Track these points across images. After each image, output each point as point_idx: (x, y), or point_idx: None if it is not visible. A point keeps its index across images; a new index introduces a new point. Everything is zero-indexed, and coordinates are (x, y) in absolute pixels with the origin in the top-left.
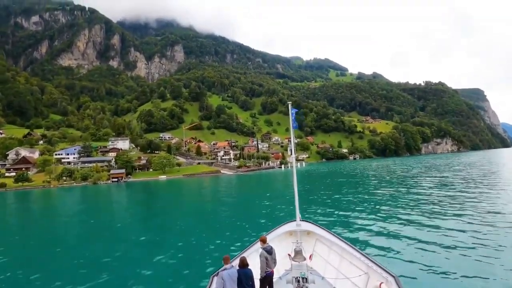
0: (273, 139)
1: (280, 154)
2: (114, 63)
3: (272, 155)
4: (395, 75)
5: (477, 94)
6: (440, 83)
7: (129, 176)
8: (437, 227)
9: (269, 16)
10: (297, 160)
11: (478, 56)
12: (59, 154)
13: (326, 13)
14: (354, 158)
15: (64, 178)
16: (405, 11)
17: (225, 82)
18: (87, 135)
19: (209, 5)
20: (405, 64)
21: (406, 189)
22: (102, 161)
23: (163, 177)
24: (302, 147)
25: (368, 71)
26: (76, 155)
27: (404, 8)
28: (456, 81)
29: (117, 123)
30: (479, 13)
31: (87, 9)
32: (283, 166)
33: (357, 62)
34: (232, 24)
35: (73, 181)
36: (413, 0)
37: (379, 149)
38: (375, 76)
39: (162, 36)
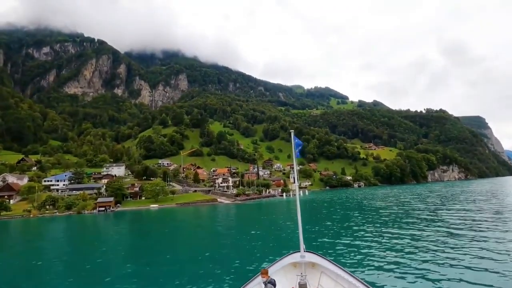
0: (275, 166)
1: (282, 181)
2: (119, 91)
3: (274, 183)
4: (395, 103)
5: (478, 122)
6: (441, 110)
7: (118, 204)
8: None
9: (271, 46)
10: (300, 187)
11: (475, 86)
12: (48, 181)
13: (326, 42)
14: (359, 186)
15: (47, 207)
16: (398, 41)
17: (227, 109)
18: (83, 161)
19: (213, 37)
20: (403, 92)
21: (426, 225)
22: (91, 189)
23: (154, 206)
24: (304, 174)
25: (368, 99)
26: (67, 182)
27: (397, 37)
28: (456, 109)
29: (115, 149)
30: (472, 43)
31: (96, 40)
32: (284, 194)
33: (357, 90)
34: (235, 54)
35: (56, 210)
36: (407, 31)
37: (384, 176)
38: (376, 104)
39: (167, 65)
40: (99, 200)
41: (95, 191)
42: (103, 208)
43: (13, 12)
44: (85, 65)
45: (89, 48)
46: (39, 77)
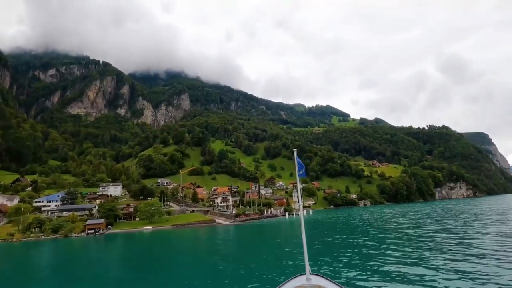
0: (277, 184)
1: (284, 200)
2: (121, 111)
3: (276, 202)
4: (396, 120)
5: (482, 138)
6: (444, 127)
7: (109, 227)
8: None
9: (272, 65)
10: (304, 207)
11: (476, 101)
12: (39, 202)
13: (326, 61)
14: (365, 205)
15: (32, 230)
16: (397, 58)
17: (229, 127)
18: (79, 181)
19: (215, 57)
20: (404, 109)
21: (452, 251)
22: (83, 209)
23: (148, 228)
24: (308, 193)
25: (370, 116)
26: (59, 203)
27: (395, 54)
28: (458, 125)
29: (113, 168)
30: (471, 59)
31: (101, 62)
32: (287, 214)
33: (358, 108)
34: (237, 73)
35: (41, 234)
36: (405, 48)
37: (390, 194)
38: (378, 121)
39: (170, 86)
40: (89, 222)
41: (87, 212)
42: (92, 231)
43: (22, 36)
44: (89, 86)
45: (94, 70)
46: (43, 98)
